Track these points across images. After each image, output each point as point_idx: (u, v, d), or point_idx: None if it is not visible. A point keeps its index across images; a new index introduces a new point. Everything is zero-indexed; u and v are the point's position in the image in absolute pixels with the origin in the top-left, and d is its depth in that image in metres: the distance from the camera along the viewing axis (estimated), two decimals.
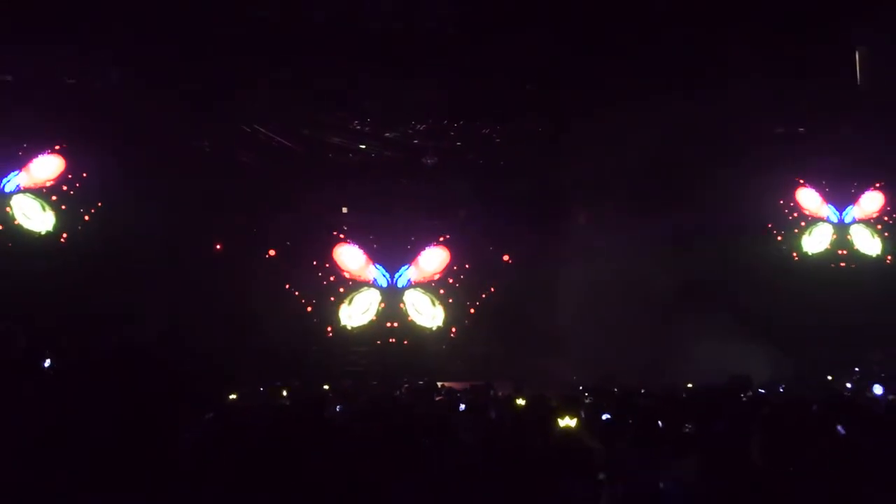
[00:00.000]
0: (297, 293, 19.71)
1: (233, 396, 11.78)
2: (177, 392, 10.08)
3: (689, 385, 13.81)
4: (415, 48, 18.21)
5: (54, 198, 18.33)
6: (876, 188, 21.03)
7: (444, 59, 18.23)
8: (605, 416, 9.96)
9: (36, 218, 18.17)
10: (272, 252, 19.85)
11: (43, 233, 18.17)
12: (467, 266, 20.11)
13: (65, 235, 18.27)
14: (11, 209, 18.08)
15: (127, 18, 16.42)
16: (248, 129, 19.26)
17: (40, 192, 18.26)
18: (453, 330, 19.91)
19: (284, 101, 18.78)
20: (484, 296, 19.98)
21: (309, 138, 19.70)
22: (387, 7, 18.30)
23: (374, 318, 19.89)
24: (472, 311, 19.93)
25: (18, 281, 16.42)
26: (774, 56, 17.46)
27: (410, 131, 19.83)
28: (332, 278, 19.98)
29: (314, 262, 19.95)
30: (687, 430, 9.68)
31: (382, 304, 19.89)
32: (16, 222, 18.14)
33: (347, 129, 19.71)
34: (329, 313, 19.76)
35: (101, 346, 14.04)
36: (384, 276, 19.97)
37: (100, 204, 18.30)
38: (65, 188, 18.46)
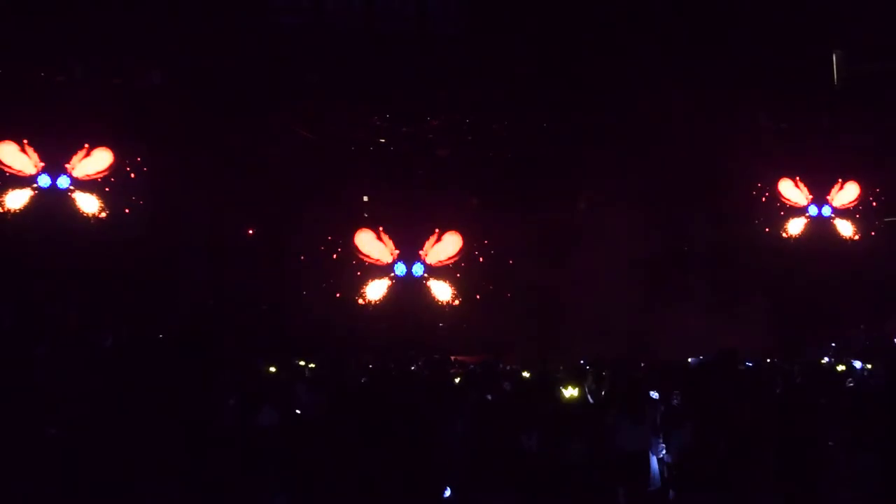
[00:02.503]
0: (321, 275, 19.64)
1: (272, 369, 11.80)
2: (220, 366, 10.22)
3: (685, 359, 13.81)
4: (427, 50, 18.33)
5: (105, 188, 18.22)
6: (852, 180, 20.88)
7: (455, 59, 18.31)
8: (606, 388, 10.00)
9: (88, 207, 18.07)
10: (297, 237, 19.83)
11: (93, 221, 18.11)
12: (478, 250, 20.00)
13: (113, 223, 18.19)
14: (66, 199, 18.00)
15: (167, 27, 16.97)
16: (278, 125, 19.20)
17: (92, 184, 18.16)
18: (465, 309, 19.84)
19: (310, 99, 18.79)
20: (494, 277, 19.88)
21: (333, 133, 19.62)
22: (401, 12, 18.48)
23: (393, 298, 19.81)
24: (483, 291, 19.83)
25: (71, 266, 16.63)
26: (761, 61, 17.59)
27: (425, 126, 19.79)
28: (353, 262, 19.89)
29: (337, 247, 19.86)
30: (680, 400, 9.68)
31: (401, 286, 19.81)
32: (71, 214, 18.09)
33: (368, 125, 19.63)
34: (352, 294, 19.68)
35: (152, 326, 14.27)
36: (401, 259, 19.88)
37: (145, 194, 18.24)
38: (113, 180, 18.34)
